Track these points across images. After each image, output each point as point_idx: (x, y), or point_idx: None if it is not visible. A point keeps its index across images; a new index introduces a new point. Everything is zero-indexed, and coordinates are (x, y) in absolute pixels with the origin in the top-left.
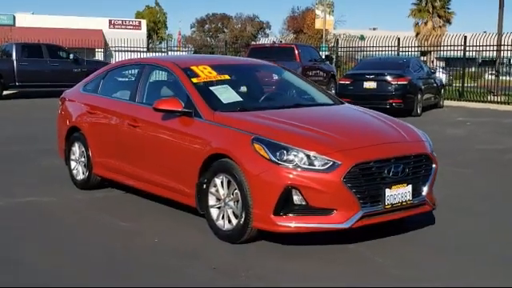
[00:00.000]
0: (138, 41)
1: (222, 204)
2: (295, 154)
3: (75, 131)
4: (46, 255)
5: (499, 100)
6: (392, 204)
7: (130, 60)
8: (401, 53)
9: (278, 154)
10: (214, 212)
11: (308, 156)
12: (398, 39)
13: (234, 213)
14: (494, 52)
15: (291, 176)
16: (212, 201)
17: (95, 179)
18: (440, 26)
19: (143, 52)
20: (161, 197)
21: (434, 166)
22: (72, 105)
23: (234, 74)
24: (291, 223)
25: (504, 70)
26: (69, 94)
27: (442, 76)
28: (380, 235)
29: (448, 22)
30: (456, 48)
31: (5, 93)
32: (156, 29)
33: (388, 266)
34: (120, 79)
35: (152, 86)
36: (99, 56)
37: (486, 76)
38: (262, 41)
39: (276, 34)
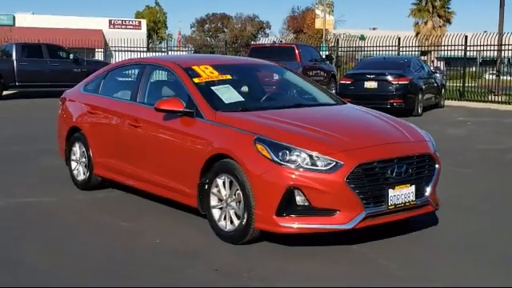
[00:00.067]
0: (138, 41)
1: (224, 205)
2: (298, 154)
3: (76, 131)
4: (46, 255)
5: (500, 100)
6: (395, 204)
7: (131, 60)
8: (401, 52)
9: (280, 154)
10: (215, 213)
11: (310, 156)
12: (399, 39)
13: (236, 213)
14: (494, 52)
15: (294, 176)
16: (214, 201)
17: (96, 179)
18: (440, 26)
19: (143, 52)
20: (162, 197)
21: (437, 166)
22: (72, 105)
23: (235, 74)
24: (294, 224)
25: (504, 69)
26: (69, 94)
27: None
28: (384, 236)
29: (448, 21)
30: (457, 48)
31: (5, 93)
32: (156, 29)
33: (392, 267)
34: (121, 79)
35: (153, 85)
36: (99, 56)
37: (486, 76)
38: (262, 41)
39: (276, 34)
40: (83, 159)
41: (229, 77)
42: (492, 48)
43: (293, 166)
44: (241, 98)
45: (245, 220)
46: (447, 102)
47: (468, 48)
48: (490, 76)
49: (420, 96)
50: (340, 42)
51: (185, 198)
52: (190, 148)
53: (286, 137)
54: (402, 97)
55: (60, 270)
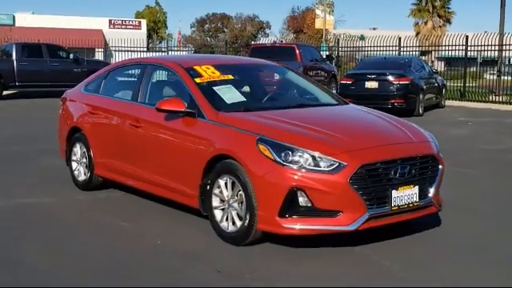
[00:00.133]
0: (138, 41)
1: (226, 205)
2: (300, 154)
3: (76, 132)
4: (46, 255)
5: (501, 100)
6: (399, 206)
7: (132, 60)
8: (402, 52)
9: (283, 154)
10: (217, 213)
11: (313, 157)
12: (399, 39)
13: (238, 214)
14: (494, 52)
15: (296, 177)
16: (216, 202)
17: (97, 180)
18: (440, 26)
19: (143, 52)
20: (163, 198)
21: (440, 166)
22: (73, 105)
23: (237, 74)
24: (296, 225)
25: (505, 70)
26: (70, 94)
27: None
28: (386, 237)
29: (448, 21)
30: (458, 48)
31: (5, 93)
32: (156, 28)
33: (395, 268)
34: (122, 79)
35: (154, 86)
36: (99, 56)
37: (486, 76)
38: (262, 41)
39: (276, 34)
40: (84, 160)
41: (231, 77)
42: (493, 48)
43: (295, 167)
44: (243, 98)
45: (247, 221)
46: (448, 102)
47: (469, 48)
48: (490, 76)
49: (421, 96)
50: (340, 41)
51: (186, 199)
52: (192, 148)
53: (289, 137)
54: (403, 97)
55: (60, 270)
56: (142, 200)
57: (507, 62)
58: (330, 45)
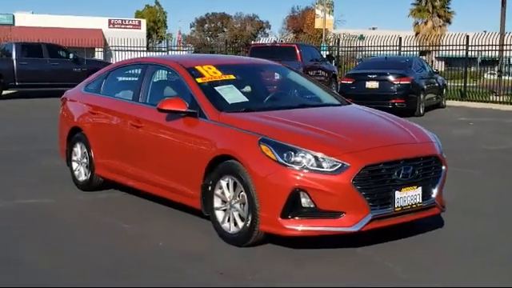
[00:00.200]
0: (138, 40)
1: (228, 206)
2: (303, 155)
3: (77, 132)
4: (47, 255)
5: (501, 100)
6: (402, 207)
7: (133, 60)
8: (402, 52)
9: (285, 155)
10: (219, 214)
11: (316, 157)
12: (400, 39)
13: (240, 215)
14: (494, 52)
15: (299, 178)
16: (217, 203)
17: (97, 180)
18: (440, 26)
19: (143, 52)
20: (164, 198)
21: (443, 167)
22: (73, 105)
23: (239, 74)
24: (299, 226)
25: (505, 69)
26: (70, 94)
27: None
28: (389, 238)
29: (448, 21)
30: (458, 48)
31: (4, 92)
32: (156, 28)
33: (397, 270)
34: (122, 79)
35: (155, 86)
36: (99, 55)
37: (486, 76)
38: (262, 40)
39: (276, 34)
40: (84, 160)
41: (232, 77)
42: (493, 48)
43: (298, 168)
44: (245, 99)
45: (249, 222)
46: (448, 102)
47: (470, 48)
48: (490, 76)
49: (422, 96)
50: (341, 41)
51: (188, 200)
52: (193, 149)
53: (291, 138)
54: (404, 97)
55: (60, 270)
56: (143, 201)
57: (507, 62)
58: (330, 44)
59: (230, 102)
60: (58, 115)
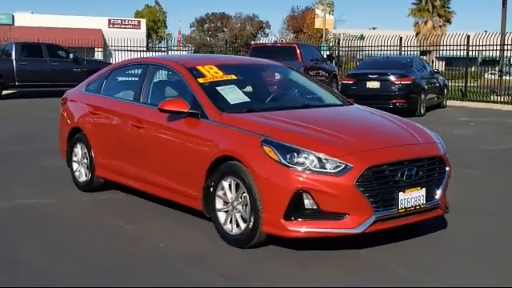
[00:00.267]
0: (138, 40)
1: (230, 208)
2: (306, 156)
3: (77, 132)
4: (47, 255)
5: (502, 100)
6: (405, 208)
7: (134, 60)
8: (402, 52)
9: (288, 156)
10: (221, 216)
11: (319, 159)
12: (400, 38)
13: (242, 217)
14: (495, 52)
15: (302, 179)
16: (219, 204)
17: (98, 181)
18: (440, 26)
19: (143, 51)
20: (165, 199)
21: (447, 168)
22: (74, 105)
23: (240, 74)
24: (302, 228)
25: (506, 70)
26: (70, 95)
27: None
28: (392, 239)
29: (448, 21)
30: (459, 47)
31: (4, 92)
32: (155, 28)
33: (401, 271)
34: (123, 79)
35: (156, 86)
36: (99, 55)
37: (486, 76)
38: (262, 40)
39: (276, 34)
40: (85, 160)
41: (234, 77)
42: (494, 48)
43: (301, 169)
44: (246, 99)
45: (251, 223)
46: (449, 102)
47: (470, 48)
48: (491, 76)
49: (422, 96)
50: (341, 41)
51: (189, 201)
52: (195, 149)
53: (294, 138)
54: (405, 97)
55: (60, 270)
56: (144, 201)
57: (508, 62)
58: (331, 44)
59: (231, 103)
60: (57, 115)
